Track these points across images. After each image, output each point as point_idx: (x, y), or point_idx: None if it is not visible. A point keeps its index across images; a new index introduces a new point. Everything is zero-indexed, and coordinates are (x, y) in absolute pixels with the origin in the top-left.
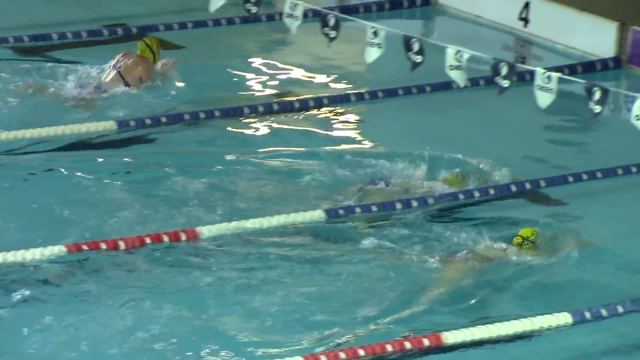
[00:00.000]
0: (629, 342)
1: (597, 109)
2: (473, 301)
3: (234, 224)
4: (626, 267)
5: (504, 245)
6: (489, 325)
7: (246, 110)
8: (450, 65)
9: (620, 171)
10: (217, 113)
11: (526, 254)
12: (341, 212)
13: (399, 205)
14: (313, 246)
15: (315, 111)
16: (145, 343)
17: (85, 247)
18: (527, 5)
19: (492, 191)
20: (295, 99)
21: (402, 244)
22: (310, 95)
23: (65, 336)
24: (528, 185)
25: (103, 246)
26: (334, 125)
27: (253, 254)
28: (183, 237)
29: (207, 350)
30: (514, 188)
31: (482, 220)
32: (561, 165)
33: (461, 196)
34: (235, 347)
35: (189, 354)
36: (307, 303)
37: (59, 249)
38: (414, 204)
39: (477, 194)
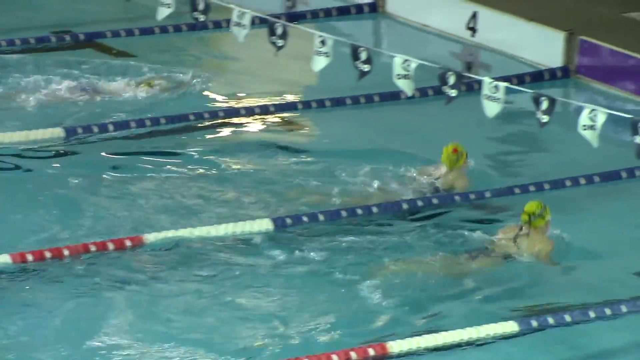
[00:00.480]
0: (578, 353)
1: (545, 118)
2: (477, 299)
3: (180, 231)
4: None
5: (511, 234)
6: (434, 334)
7: (191, 117)
8: (398, 75)
9: (568, 182)
10: (162, 120)
11: (536, 241)
12: (288, 221)
13: (344, 214)
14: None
15: (261, 118)
16: (90, 353)
17: (30, 257)
18: (474, 15)
19: (434, 201)
20: (242, 106)
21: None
22: (257, 103)
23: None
24: (472, 196)
25: (48, 255)
26: (280, 133)
27: (207, 259)
28: (128, 244)
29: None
30: (457, 198)
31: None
32: (508, 175)
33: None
34: (184, 356)
35: None
36: (267, 310)
37: (3, 258)
38: (359, 212)
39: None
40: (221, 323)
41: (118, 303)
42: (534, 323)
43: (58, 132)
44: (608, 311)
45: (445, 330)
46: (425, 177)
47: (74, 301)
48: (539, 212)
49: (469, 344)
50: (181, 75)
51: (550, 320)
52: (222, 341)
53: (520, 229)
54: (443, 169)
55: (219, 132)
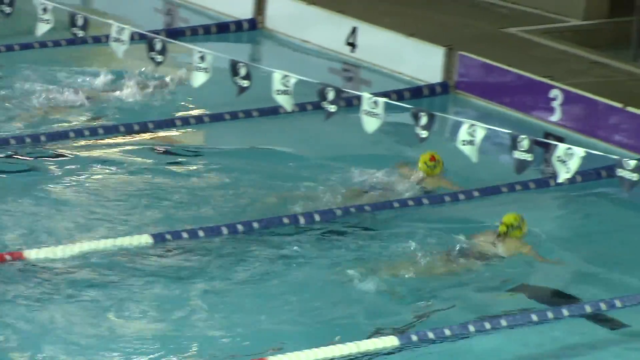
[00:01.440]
0: None
1: (424, 133)
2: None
3: (60, 247)
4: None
5: (490, 238)
6: (315, 349)
7: (72, 135)
8: (277, 90)
9: (447, 198)
10: (42, 138)
11: (514, 245)
12: (168, 236)
13: (224, 230)
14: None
15: (140, 135)
16: None
17: None
18: (354, 31)
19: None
20: (120, 123)
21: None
22: (136, 120)
23: None
24: (353, 210)
25: None
26: (159, 149)
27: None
28: (8, 258)
29: None
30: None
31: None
32: None
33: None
34: None
35: None
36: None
37: None
38: (255, 225)
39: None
40: (99, 339)
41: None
42: (414, 337)
43: None
44: (487, 325)
45: (325, 345)
46: (402, 178)
47: None
48: (516, 224)
49: (351, 358)
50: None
51: (430, 335)
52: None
53: (498, 236)
54: (420, 175)
55: (98, 149)
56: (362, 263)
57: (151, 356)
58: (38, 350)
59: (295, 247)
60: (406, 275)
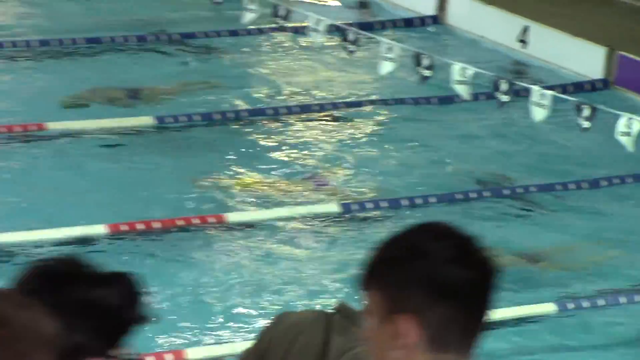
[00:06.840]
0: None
1: (586, 124)
2: None
3: None
4: None
5: None
6: None
7: (270, 112)
8: (457, 80)
9: (604, 182)
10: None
11: None
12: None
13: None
14: None
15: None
16: None
17: None
18: (525, 29)
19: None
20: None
21: None
22: (329, 102)
23: None
24: (520, 190)
25: None
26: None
27: None
28: None
29: None
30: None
31: None
32: (552, 171)
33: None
34: None
35: None
36: None
37: None
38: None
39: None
40: None
41: None
42: (571, 305)
43: None
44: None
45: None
46: None
47: None
48: None
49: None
50: None
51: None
52: None
53: None
54: None
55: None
56: None
57: None
58: None
59: None
60: None
